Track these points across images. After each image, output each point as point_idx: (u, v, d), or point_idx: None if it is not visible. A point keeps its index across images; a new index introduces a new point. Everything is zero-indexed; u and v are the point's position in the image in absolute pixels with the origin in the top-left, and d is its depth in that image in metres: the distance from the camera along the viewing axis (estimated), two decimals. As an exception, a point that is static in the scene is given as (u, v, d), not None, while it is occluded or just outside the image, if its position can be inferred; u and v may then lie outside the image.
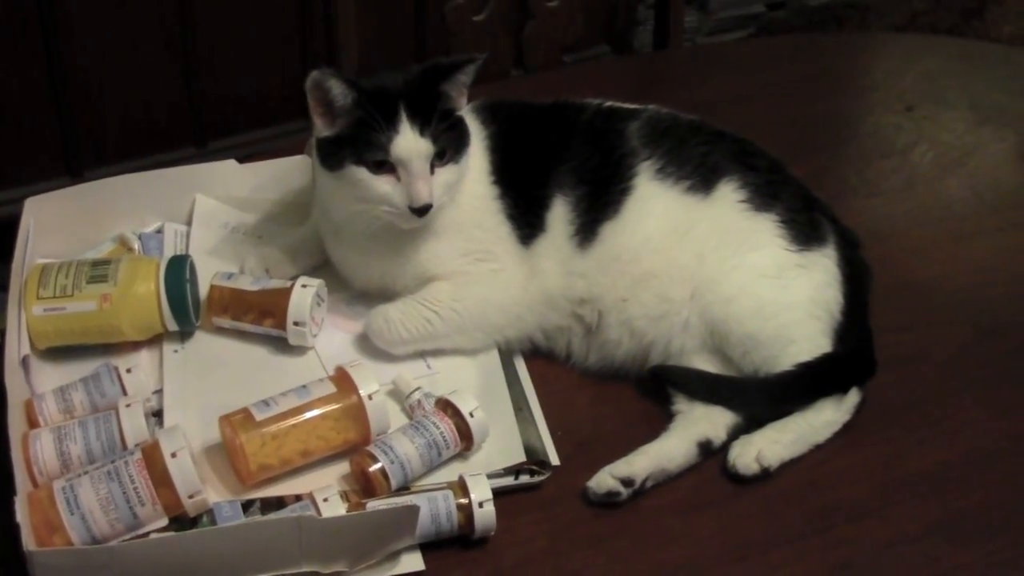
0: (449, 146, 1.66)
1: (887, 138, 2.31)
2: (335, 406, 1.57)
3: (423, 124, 1.63)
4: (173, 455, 1.45)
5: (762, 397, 1.70)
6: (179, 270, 1.70)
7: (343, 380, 1.59)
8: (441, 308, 1.72)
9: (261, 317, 1.72)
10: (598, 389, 1.77)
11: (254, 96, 3.10)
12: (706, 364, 1.73)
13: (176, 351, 1.71)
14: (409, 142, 1.63)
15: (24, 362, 1.61)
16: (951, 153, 2.26)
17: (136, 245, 1.84)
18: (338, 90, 1.64)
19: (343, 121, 1.66)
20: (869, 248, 1.82)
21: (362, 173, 1.64)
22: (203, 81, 3.04)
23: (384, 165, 1.64)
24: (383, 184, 1.64)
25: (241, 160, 1.96)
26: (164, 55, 2.98)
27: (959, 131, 2.32)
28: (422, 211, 1.64)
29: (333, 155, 1.67)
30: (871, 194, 2.18)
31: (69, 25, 2.84)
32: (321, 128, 1.68)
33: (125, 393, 1.61)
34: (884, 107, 2.42)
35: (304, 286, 1.71)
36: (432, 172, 1.65)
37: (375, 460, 1.54)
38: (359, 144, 1.64)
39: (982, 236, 2.09)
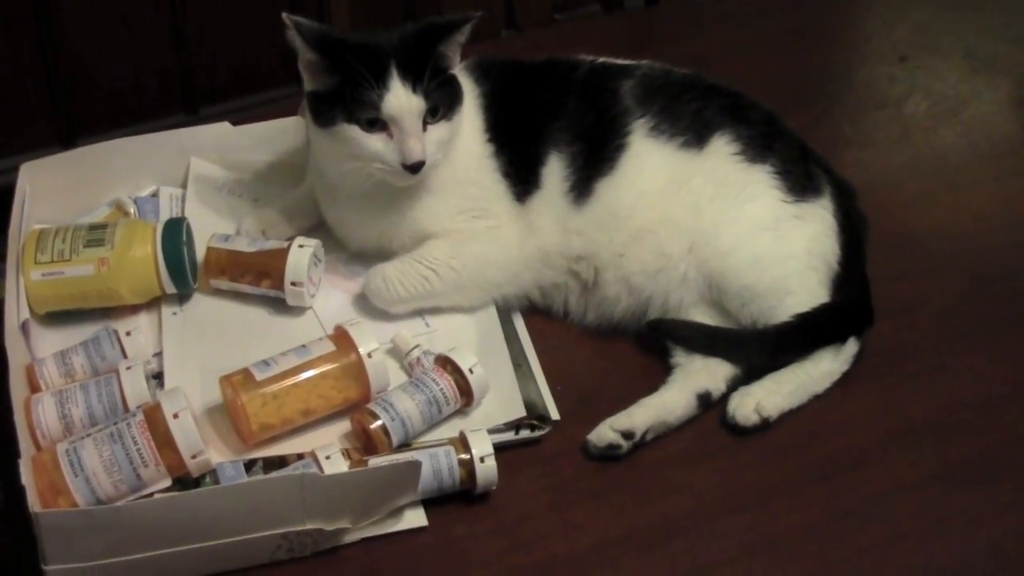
0: (441, 103, 1.66)
1: (881, 89, 2.31)
2: (335, 365, 1.58)
3: (415, 81, 1.62)
4: (175, 416, 1.46)
5: (761, 348, 1.70)
6: (176, 233, 1.69)
7: (342, 339, 1.59)
8: (438, 266, 1.72)
9: (259, 278, 1.72)
10: (597, 344, 1.77)
11: (244, 62, 3.09)
12: (704, 317, 1.73)
13: (175, 313, 1.71)
14: (400, 99, 1.62)
15: (24, 327, 1.61)
16: (946, 103, 2.26)
17: (132, 209, 1.83)
18: (297, 42, 1.64)
19: (333, 78, 1.65)
20: (865, 198, 1.82)
21: (354, 131, 1.64)
22: (193, 47, 3.02)
23: (376, 123, 1.63)
24: (375, 142, 1.64)
25: (235, 123, 1.95)
26: (153, 21, 2.97)
27: (953, 80, 2.32)
28: (415, 168, 1.64)
29: (324, 112, 1.66)
30: (866, 145, 2.18)
31: (58, -8, 2.82)
32: (307, 82, 1.68)
33: (125, 356, 1.61)
34: (878, 58, 2.42)
35: (301, 246, 1.71)
36: (425, 129, 1.65)
37: (376, 417, 1.54)
38: (350, 102, 1.63)
39: (978, 185, 2.09)
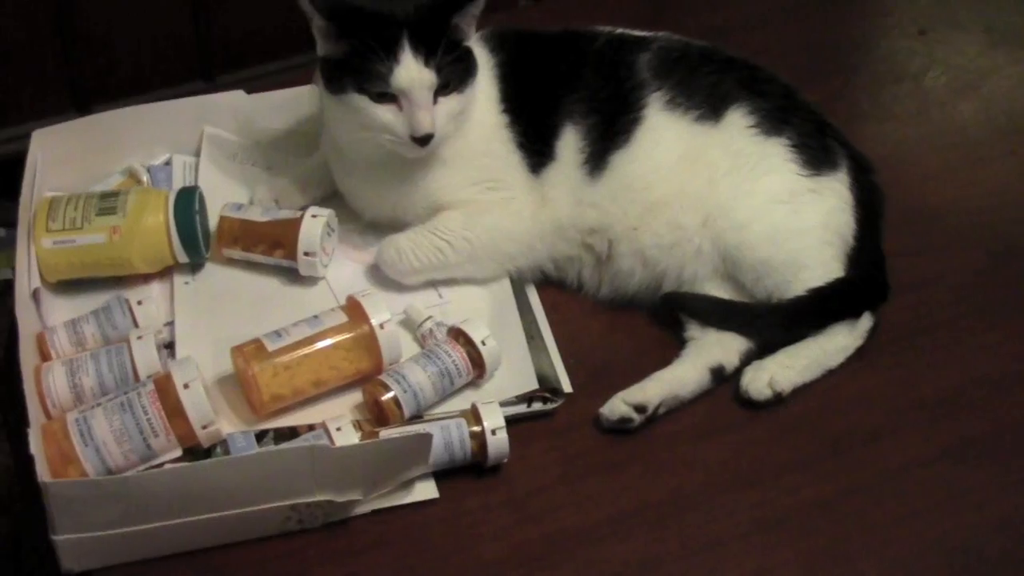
0: (453, 77, 1.64)
1: (900, 62, 2.30)
2: (347, 336, 1.57)
3: (427, 54, 1.61)
4: (186, 386, 1.45)
5: (775, 323, 1.69)
6: (188, 201, 1.69)
7: (355, 310, 1.59)
8: (452, 237, 1.71)
9: (271, 248, 1.71)
10: (610, 317, 1.76)
11: (262, 29, 3.08)
12: (719, 291, 1.72)
13: (187, 283, 1.71)
14: (411, 72, 1.60)
15: (35, 295, 1.61)
16: (965, 76, 2.25)
17: (145, 177, 1.83)
18: (307, 7, 1.63)
19: (343, 46, 1.64)
20: (882, 173, 1.81)
21: (364, 101, 1.63)
22: (211, 14, 3.02)
23: (386, 94, 1.62)
24: (385, 113, 1.63)
25: (249, 91, 1.94)
26: (171, -12, 2.96)
27: (972, 54, 2.30)
28: (424, 140, 1.63)
29: (335, 79, 1.65)
30: (884, 119, 2.16)
31: (74, -42, 2.82)
32: (319, 47, 1.67)
33: (136, 325, 1.61)
34: (897, 31, 2.40)
35: (314, 216, 1.70)
36: (436, 102, 1.64)
37: (387, 389, 1.54)
38: (360, 72, 1.62)
39: (996, 160, 2.08)
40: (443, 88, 1.63)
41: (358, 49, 1.61)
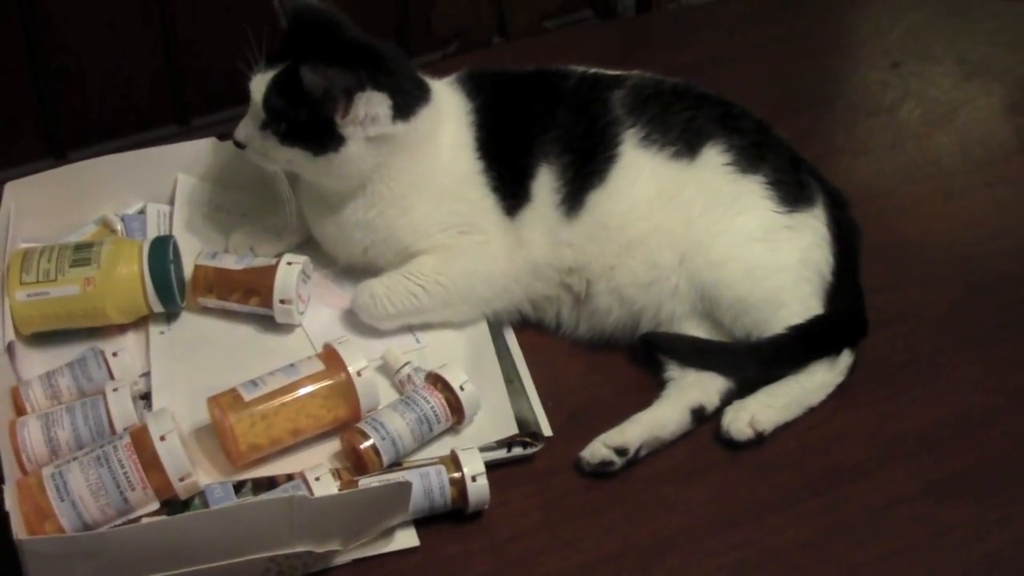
0: (274, 121, 1.66)
1: (874, 95, 2.30)
2: (324, 384, 1.56)
3: (277, 86, 1.64)
4: (162, 438, 1.44)
5: (754, 361, 1.69)
6: (163, 251, 1.68)
7: (331, 357, 1.58)
8: (426, 282, 1.70)
9: (247, 296, 1.70)
10: (589, 358, 1.76)
11: (236, 71, 3.08)
12: (697, 330, 1.72)
13: (162, 332, 1.70)
14: (257, 84, 1.66)
15: (9, 349, 1.60)
16: (939, 109, 2.25)
17: (119, 227, 1.82)
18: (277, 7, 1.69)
19: None
20: (858, 207, 1.81)
21: None
22: (184, 57, 3.01)
23: None
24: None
25: (223, 137, 1.94)
26: (143, 32, 2.95)
27: (946, 87, 2.30)
28: (236, 144, 1.70)
29: None
30: (859, 152, 2.16)
31: (47, 3, 2.81)
32: None
33: (112, 377, 1.59)
34: (870, 64, 2.40)
35: (289, 263, 1.69)
36: (263, 129, 1.67)
37: (366, 437, 1.53)
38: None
39: (971, 192, 2.08)
40: (268, 123, 1.66)
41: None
